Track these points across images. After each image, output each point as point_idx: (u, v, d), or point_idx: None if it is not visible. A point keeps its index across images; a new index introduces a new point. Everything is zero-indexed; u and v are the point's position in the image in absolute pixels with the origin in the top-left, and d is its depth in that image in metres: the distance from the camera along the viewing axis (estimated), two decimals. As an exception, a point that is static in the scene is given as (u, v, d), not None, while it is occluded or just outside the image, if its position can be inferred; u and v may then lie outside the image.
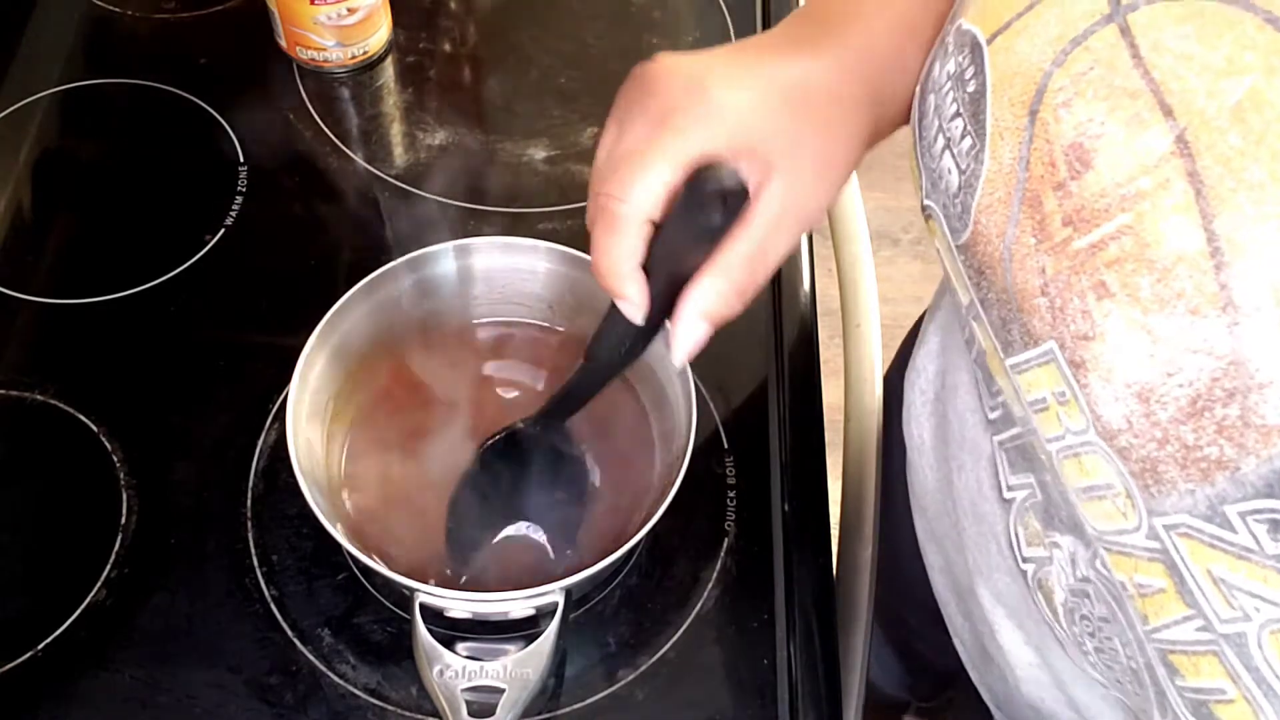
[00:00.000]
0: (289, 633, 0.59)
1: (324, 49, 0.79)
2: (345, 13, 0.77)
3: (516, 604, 0.53)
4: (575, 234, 0.74)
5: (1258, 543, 0.27)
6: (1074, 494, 0.33)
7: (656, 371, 0.60)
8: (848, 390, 0.75)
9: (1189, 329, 0.28)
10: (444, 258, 0.62)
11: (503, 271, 0.63)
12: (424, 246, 0.61)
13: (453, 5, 0.87)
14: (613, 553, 0.53)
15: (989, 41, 0.35)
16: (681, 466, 0.54)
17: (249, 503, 0.63)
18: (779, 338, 0.71)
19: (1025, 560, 0.40)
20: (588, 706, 0.58)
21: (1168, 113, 0.28)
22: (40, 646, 0.58)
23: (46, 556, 0.61)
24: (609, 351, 0.49)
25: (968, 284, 0.37)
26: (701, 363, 0.60)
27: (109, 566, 0.61)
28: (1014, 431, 0.38)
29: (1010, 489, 0.39)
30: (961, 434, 0.44)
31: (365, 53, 0.81)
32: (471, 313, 0.65)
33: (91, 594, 0.60)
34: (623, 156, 0.43)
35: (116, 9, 0.85)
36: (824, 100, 0.44)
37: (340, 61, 0.80)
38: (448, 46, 0.85)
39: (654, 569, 0.62)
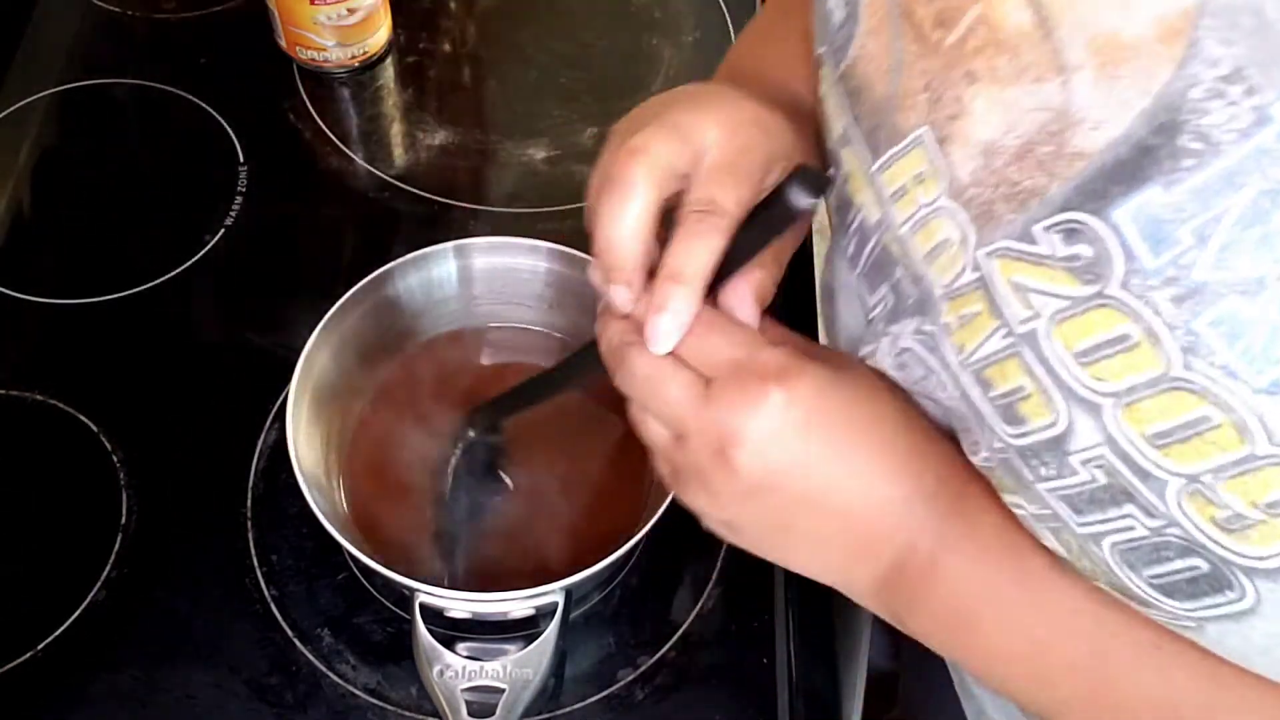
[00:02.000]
0: (289, 633, 0.59)
1: (324, 49, 0.79)
2: (345, 13, 0.77)
3: (516, 604, 0.54)
4: (575, 234, 0.74)
5: (1053, 249, 0.32)
6: (923, 264, 0.38)
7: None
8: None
9: (1034, 94, 0.33)
10: (444, 258, 0.62)
11: (503, 271, 0.63)
12: (424, 246, 0.62)
13: (453, 5, 0.87)
14: (612, 553, 0.53)
15: None
16: (681, 466, 0.54)
17: (249, 503, 0.63)
18: (779, 338, 0.71)
19: (863, 358, 0.44)
20: (588, 706, 0.58)
21: None
22: (40, 646, 0.58)
23: (46, 557, 0.61)
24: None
25: (845, 110, 0.42)
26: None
27: (109, 566, 0.61)
28: (866, 251, 0.42)
29: (872, 309, 0.43)
30: (839, 279, 0.47)
31: (365, 53, 0.81)
32: (471, 313, 0.65)
33: (91, 594, 0.60)
34: (710, 168, 0.42)
35: (117, 9, 0.85)
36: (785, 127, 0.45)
37: (340, 62, 0.80)
38: (448, 47, 0.85)
39: (654, 569, 0.62)
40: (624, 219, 0.41)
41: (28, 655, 0.58)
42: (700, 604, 0.61)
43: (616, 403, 0.63)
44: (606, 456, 0.61)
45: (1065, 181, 0.32)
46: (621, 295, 0.42)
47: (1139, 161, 0.30)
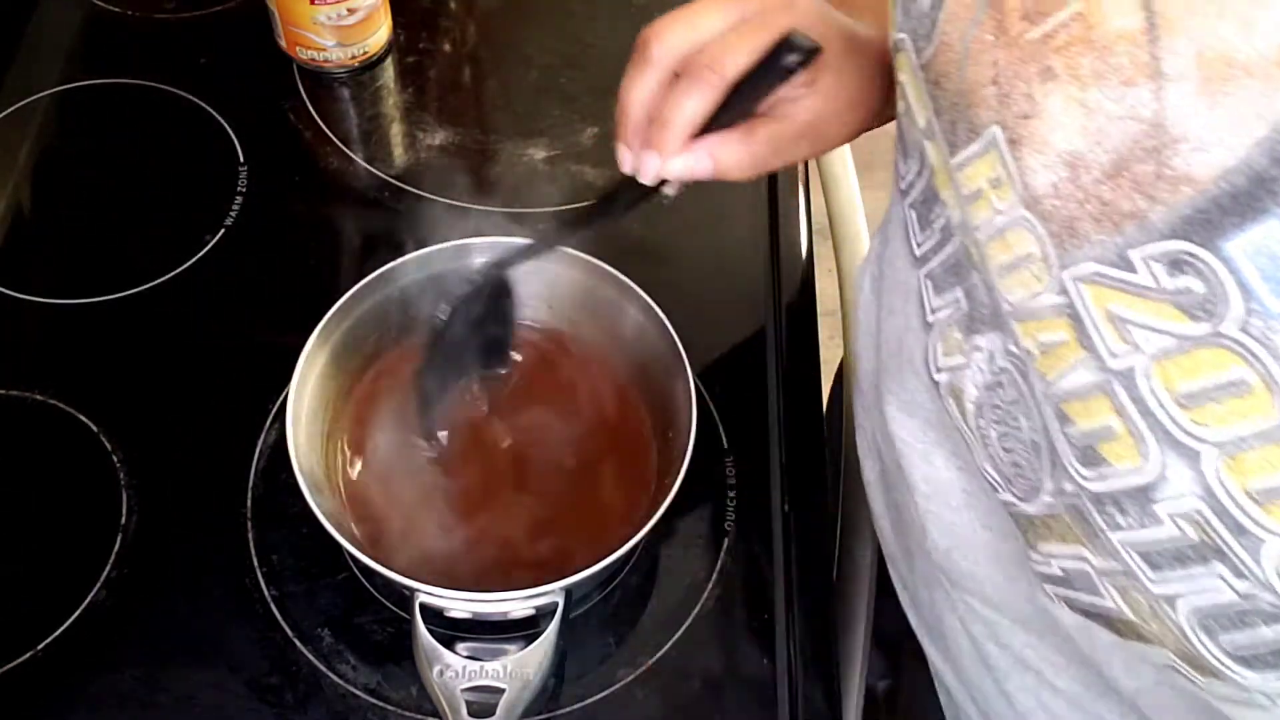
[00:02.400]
0: (289, 632, 0.59)
1: (324, 49, 0.79)
2: (345, 13, 0.77)
3: (516, 604, 0.53)
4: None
5: (1156, 280, 0.30)
6: (995, 276, 0.37)
7: (657, 372, 0.61)
8: (848, 391, 0.75)
9: (1121, 99, 0.31)
10: (444, 258, 0.62)
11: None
12: (424, 247, 0.62)
13: (453, 5, 0.87)
14: (613, 553, 0.53)
15: None
16: (681, 466, 0.54)
17: (249, 503, 0.63)
18: (779, 338, 0.71)
19: (939, 371, 0.43)
20: (588, 706, 0.58)
21: None
22: (40, 646, 0.58)
23: (47, 557, 0.61)
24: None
25: (926, 101, 0.41)
26: (702, 363, 0.60)
27: (109, 566, 0.61)
28: (946, 251, 0.42)
29: (934, 311, 0.43)
30: (894, 280, 0.48)
31: (365, 53, 0.81)
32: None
33: (92, 594, 0.60)
34: (714, 37, 0.48)
35: (117, 9, 0.85)
36: (865, 44, 0.51)
37: (340, 62, 0.80)
38: (448, 46, 0.85)
39: (654, 569, 0.62)
40: (626, 92, 0.50)
41: (28, 655, 0.58)
42: (700, 604, 0.61)
43: (617, 402, 0.63)
44: (607, 456, 0.61)
45: (1169, 208, 0.30)
46: (619, 152, 0.51)
47: (1256, 193, 0.28)
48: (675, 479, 0.54)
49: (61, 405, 0.66)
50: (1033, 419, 0.37)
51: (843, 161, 0.82)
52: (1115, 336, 0.32)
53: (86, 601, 0.59)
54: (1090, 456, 0.34)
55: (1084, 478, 0.34)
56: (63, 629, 0.59)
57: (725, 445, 0.66)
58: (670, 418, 0.59)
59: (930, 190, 0.42)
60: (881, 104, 0.53)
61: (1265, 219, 0.27)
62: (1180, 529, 0.31)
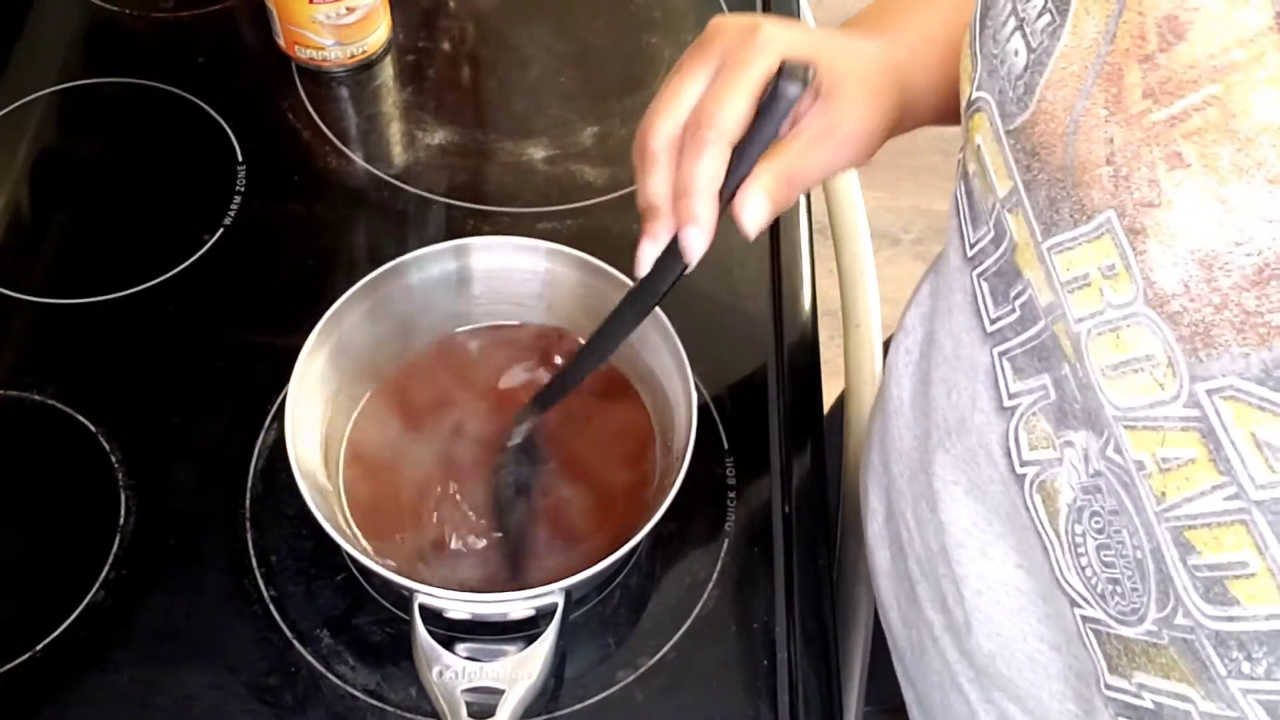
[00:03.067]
0: (288, 633, 0.59)
1: (323, 48, 0.79)
2: (344, 12, 0.77)
3: (516, 604, 0.53)
4: (575, 234, 0.74)
5: None
6: (1099, 375, 0.33)
7: (657, 373, 0.60)
8: (848, 390, 0.75)
9: (1266, 199, 0.28)
10: (443, 258, 0.62)
11: (502, 271, 0.63)
12: (423, 246, 0.61)
13: (452, 5, 0.87)
14: (613, 553, 0.53)
15: None
16: (681, 466, 0.54)
17: (248, 503, 0.63)
18: (779, 338, 0.71)
19: (1025, 464, 0.40)
20: (588, 707, 0.58)
21: None
22: (39, 647, 0.58)
23: (45, 557, 0.61)
24: (645, 298, 0.51)
25: (1013, 170, 0.37)
26: (701, 363, 0.60)
27: (108, 567, 0.61)
28: (1029, 333, 0.38)
29: (1013, 396, 0.40)
30: (956, 354, 0.45)
31: (364, 52, 0.80)
32: (471, 313, 0.65)
33: (90, 594, 0.60)
34: (702, 96, 0.47)
35: (115, 8, 0.84)
36: (866, 59, 0.50)
37: (339, 61, 0.80)
38: (447, 46, 0.85)
39: (654, 569, 0.62)
40: (644, 194, 0.48)
41: (26, 655, 0.58)
42: (700, 604, 0.61)
43: (617, 402, 0.63)
44: (607, 457, 0.61)
45: None
46: (694, 236, 0.47)
47: None
48: (675, 479, 0.54)
49: (60, 405, 0.65)
50: (1137, 538, 0.34)
51: (843, 161, 0.82)
52: (1261, 463, 0.28)
53: (85, 602, 0.59)
54: (1216, 593, 0.30)
55: (1205, 614, 0.31)
56: (61, 629, 0.59)
57: (725, 445, 0.66)
58: (670, 418, 0.59)
59: (1010, 266, 0.39)
60: (893, 119, 0.51)
61: None
62: None
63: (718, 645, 0.60)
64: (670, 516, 0.54)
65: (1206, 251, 0.29)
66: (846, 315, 0.77)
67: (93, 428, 0.65)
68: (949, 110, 0.53)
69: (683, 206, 0.46)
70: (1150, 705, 0.36)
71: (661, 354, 0.59)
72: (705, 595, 0.61)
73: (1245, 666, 0.30)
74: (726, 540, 0.63)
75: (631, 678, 0.59)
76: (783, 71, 0.46)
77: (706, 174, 0.46)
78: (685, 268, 0.48)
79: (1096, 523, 0.36)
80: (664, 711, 0.58)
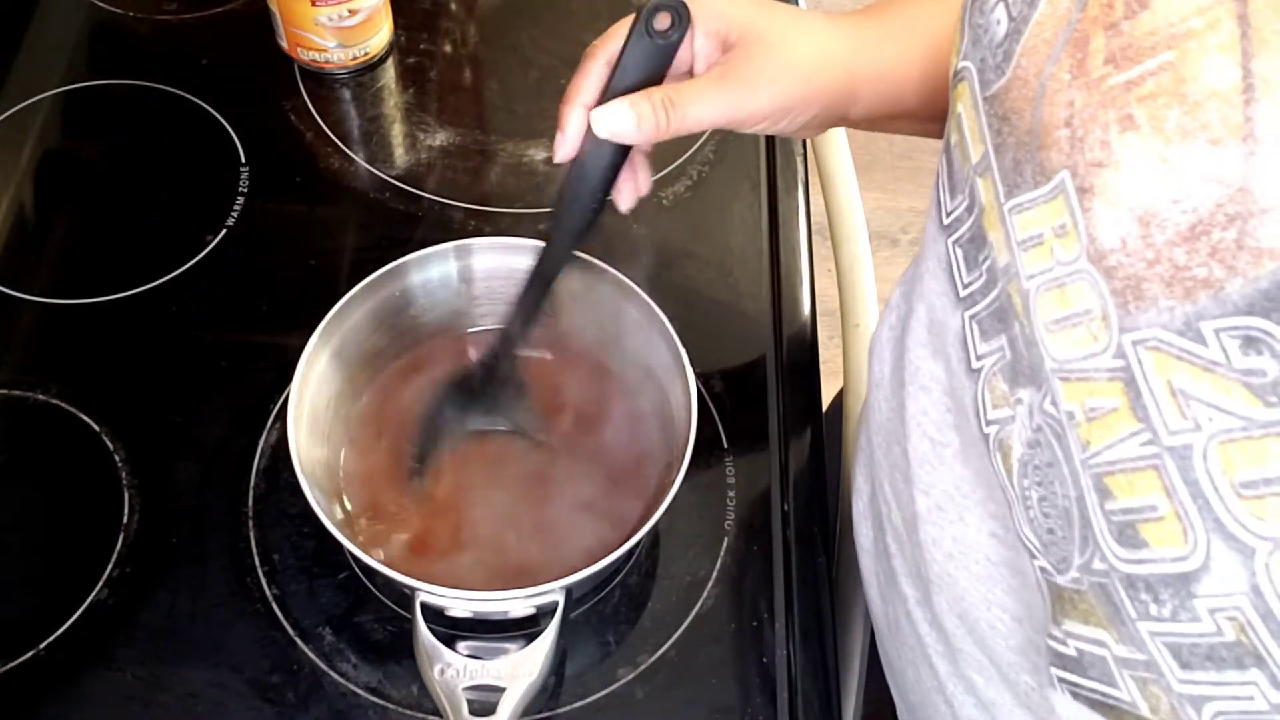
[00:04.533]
0: (290, 631, 0.59)
1: (325, 50, 0.79)
2: (346, 14, 0.77)
3: (517, 603, 0.54)
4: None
5: (1227, 357, 0.28)
6: (1043, 330, 0.34)
7: (657, 372, 0.61)
8: (846, 390, 0.75)
9: (1205, 158, 0.29)
10: (444, 258, 0.62)
11: (503, 272, 0.63)
12: (424, 247, 0.62)
13: (454, 6, 0.87)
14: (613, 553, 0.53)
15: None
16: (681, 466, 0.55)
17: (250, 502, 0.63)
18: (778, 337, 0.71)
19: (989, 424, 0.41)
20: (588, 705, 0.58)
21: None
22: (43, 645, 0.58)
23: (49, 556, 0.62)
24: (567, 219, 0.57)
25: (985, 135, 0.38)
26: (702, 363, 0.60)
27: (111, 565, 0.61)
28: (992, 295, 0.39)
29: (979, 358, 0.41)
30: (930, 319, 0.46)
31: (366, 54, 0.81)
32: (472, 313, 0.65)
33: (94, 593, 0.60)
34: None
35: (119, 10, 0.85)
36: (807, 37, 0.53)
37: (341, 63, 0.80)
38: (448, 47, 0.85)
39: (654, 569, 0.62)
40: (571, 87, 0.54)
41: (30, 654, 0.58)
42: (700, 602, 0.61)
43: (617, 402, 0.63)
44: (607, 456, 0.62)
45: (1248, 281, 0.28)
46: (560, 143, 0.54)
47: None
48: (675, 479, 0.54)
49: (64, 405, 0.66)
50: (1066, 486, 0.35)
51: (842, 161, 0.82)
52: (1175, 411, 0.29)
53: (88, 601, 0.60)
54: (1128, 536, 0.31)
55: (1118, 557, 0.32)
56: (65, 628, 0.59)
57: (725, 444, 0.66)
58: (670, 418, 0.59)
59: (979, 229, 0.40)
60: (831, 97, 0.54)
61: None
62: (1218, 627, 0.29)
63: (717, 643, 0.60)
64: (670, 516, 0.54)
65: (1146, 209, 0.30)
66: (845, 315, 0.77)
67: (96, 427, 0.65)
68: (937, 108, 0.54)
69: (561, 112, 0.53)
70: (1074, 652, 0.36)
71: (661, 353, 0.60)
72: (705, 593, 0.62)
73: (1153, 609, 0.31)
74: (726, 538, 0.63)
75: (632, 675, 0.59)
76: (651, 4, 0.51)
77: (576, 85, 0.53)
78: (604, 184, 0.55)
79: (1038, 475, 0.37)
80: (664, 709, 0.58)
